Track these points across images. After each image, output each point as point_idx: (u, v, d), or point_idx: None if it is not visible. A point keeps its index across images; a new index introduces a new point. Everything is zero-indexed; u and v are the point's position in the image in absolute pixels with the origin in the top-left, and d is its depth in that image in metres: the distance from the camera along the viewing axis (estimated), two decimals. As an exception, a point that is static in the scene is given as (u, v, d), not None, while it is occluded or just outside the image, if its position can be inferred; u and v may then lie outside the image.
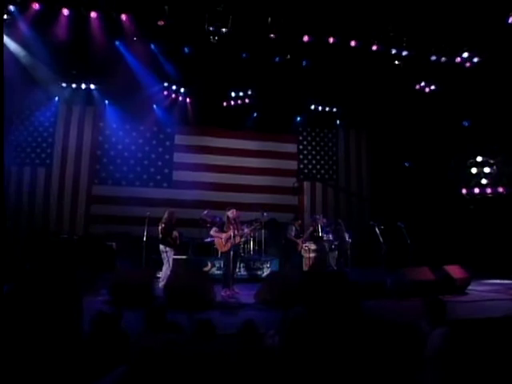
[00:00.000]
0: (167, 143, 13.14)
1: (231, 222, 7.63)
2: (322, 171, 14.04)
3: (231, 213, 7.71)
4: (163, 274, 7.88)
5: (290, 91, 11.90)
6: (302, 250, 9.46)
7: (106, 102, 12.43)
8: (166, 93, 12.42)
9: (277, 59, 10.07)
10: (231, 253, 7.24)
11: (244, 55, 9.82)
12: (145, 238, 7.67)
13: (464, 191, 10.61)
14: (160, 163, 12.95)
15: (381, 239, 7.92)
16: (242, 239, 7.96)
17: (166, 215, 8.22)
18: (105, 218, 11.96)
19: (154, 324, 3.00)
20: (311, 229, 9.83)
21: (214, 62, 10.14)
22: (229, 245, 7.47)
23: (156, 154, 12.95)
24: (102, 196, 12.36)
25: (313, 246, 9.42)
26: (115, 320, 3.07)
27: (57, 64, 10.18)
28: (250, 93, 12.63)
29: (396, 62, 10.34)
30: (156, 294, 6.62)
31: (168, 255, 7.99)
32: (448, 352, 2.67)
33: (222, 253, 7.67)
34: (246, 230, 7.73)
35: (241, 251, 8.91)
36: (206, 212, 10.13)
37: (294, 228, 9.71)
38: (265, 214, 8.25)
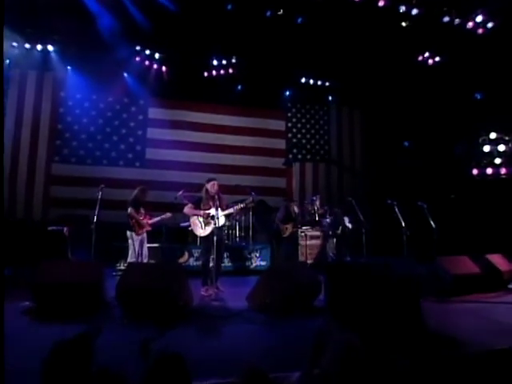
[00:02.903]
0: (140, 117, 11.72)
1: (211, 198, 6.09)
2: (313, 151, 12.87)
3: (211, 186, 6.12)
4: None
5: (279, 59, 10.61)
6: (299, 237, 8.17)
7: (68, 67, 10.77)
8: (138, 59, 10.97)
9: (268, 14, 8.62)
10: (214, 238, 5.67)
11: (229, 7, 8.33)
12: (95, 219, 6.11)
13: (475, 172, 9.48)
14: (131, 140, 11.56)
15: (402, 222, 6.60)
16: (227, 222, 6.39)
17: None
18: (67, 201, 10.43)
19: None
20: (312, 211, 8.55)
21: (193, 16, 8.65)
22: (210, 227, 5.95)
23: (127, 130, 11.55)
24: (63, 176, 10.81)
25: (311, 232, 8.14)
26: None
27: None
28: (234, 61, 11.37)
29: (403, 24, 9.17)
30: (109, 297, 5.07)
31: (133, 241, 6.68)
32: None
33: (201, 239, 6.19)
34: (234, 208, 6.20)
35: (225, 237, 7.41)
36: (181, 192, 8.84)
37: (283, 210, 8.31)
38: (252, 193, 6.73)
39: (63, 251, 7.23)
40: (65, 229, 7.39)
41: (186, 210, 6.22)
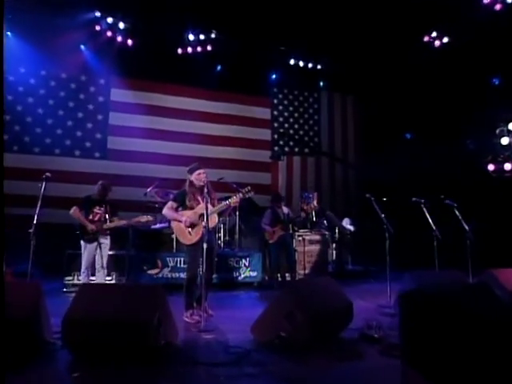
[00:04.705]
0: (100, 99, 10.13)
1: (199, 191, 4.54)
2: (302, 143, 11.69)
3: (197, 176, 4.56)
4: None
5: (265, 36, 9.39)
6: (295, 242, 6.73)
7: (8, 33, 8.85)
8: (98, 28, 9.37)
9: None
10: (204, 245, 4.06)
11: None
12: (35, 221, 4.36)
13: (491, 167, 8.42)
14: (90, 126, 9.97)
15: (432, 225, 5.30)
16: (215, 224, 4.66)
17: None
18: (8, 199, 8.50)
19: None
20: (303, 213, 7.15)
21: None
22: (200, 231, 4.34)
23: (84, 113, 9.96)
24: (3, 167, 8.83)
25: (309, 236, 6.72)
26: None
27: None
28: (213, 36, 10.08)
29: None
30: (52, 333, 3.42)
31: (84, 250, 5.10)
32: None
33: (186, 246, 4.53)
34: (232, 198, 4.52)
35: (216, 242, 5.59)
36: (151, 188, 7.60)
37: (270, 213, 6.87)
38: (249, 188, 5.08)
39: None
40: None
41: (168, 211, 4.57)
